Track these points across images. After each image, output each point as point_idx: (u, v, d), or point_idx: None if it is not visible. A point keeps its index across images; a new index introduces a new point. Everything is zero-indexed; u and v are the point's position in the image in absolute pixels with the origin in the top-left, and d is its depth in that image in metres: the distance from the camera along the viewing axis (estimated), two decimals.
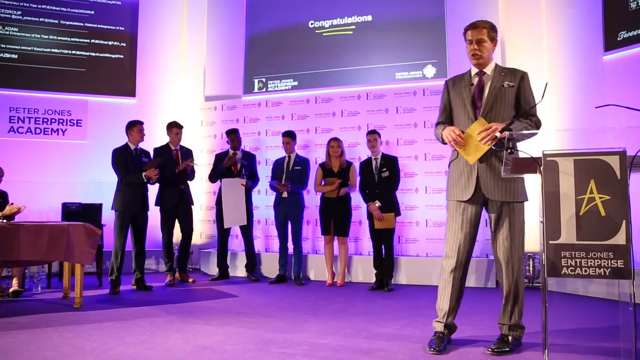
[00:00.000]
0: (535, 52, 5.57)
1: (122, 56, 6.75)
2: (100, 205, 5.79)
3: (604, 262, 2.24)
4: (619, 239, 2.22)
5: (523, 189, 2.76)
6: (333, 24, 6.40)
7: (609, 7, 4.92)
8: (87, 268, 5.11)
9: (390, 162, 5.18)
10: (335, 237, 5.33)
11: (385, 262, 5.08)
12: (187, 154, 5.58)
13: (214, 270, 5.88)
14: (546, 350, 2.35)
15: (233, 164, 5.59)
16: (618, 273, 2.23)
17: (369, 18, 6.25)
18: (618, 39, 4.83)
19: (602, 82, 4.91)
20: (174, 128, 5.47)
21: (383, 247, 5.12)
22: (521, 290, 2.77)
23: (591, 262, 2.25)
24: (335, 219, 5.27)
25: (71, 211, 5.66)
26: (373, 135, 5.21)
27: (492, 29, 2.84)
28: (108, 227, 5.64)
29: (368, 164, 5.24)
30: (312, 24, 6.49)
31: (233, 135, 5.75)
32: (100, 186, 6.28)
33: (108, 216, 5.73)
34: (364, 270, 5.53)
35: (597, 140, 4.54)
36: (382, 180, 5.10)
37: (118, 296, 4.60)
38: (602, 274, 2.24)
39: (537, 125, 2.71)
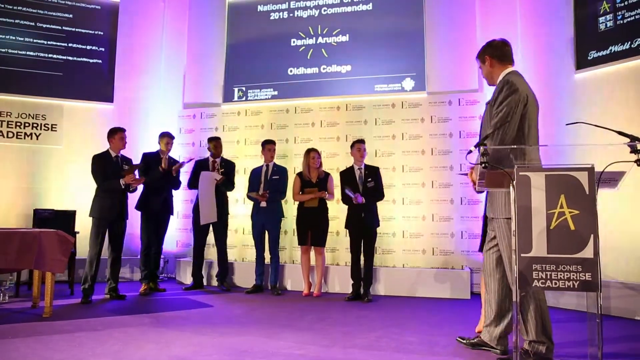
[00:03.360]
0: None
1: (100, 61, 6.66)
2: (74, 212, 5.67)
3: (573, 275, 2.30)
4: (587, 252, 2.29)
5: (507, 205, 2.74)
6: (314, 36, 6.46)
7: (580, 27, 5.10)
8: (59, 276, 4.99)
9: (374, 173, 5.19)
10: (313, 247, 5.34)
11: (365, 273, 5.06)
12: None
13: (189, 279, 5.81)
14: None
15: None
16: (586, 286, 2.29)
17: (349, 31, 6.33)
18: (588, 58, 5.00)
19: (573, 99, 5.06)
20: (165, 137, 5.50)
21: (362, 257, 5.10)
22: (525, 305, 2.69)
23: (561, 274, 2.31)
24: (313, 229, 5.27)
25: (43, 218, 5.54)
26: (362, 144, 5.18)
27: (481, 54, 3.07)
28: (81, 235, 5.54)
29: (350, 174, 5.18)
30: (292, 34, 6.54)
31: (214, 142, 5.75)
32: (74, 193, 6.16)
33: (82, 223, 5.63)
34: (341, 281, 5.54)
35: (567, 156, 4.67)
36: (368, 190, 5.08)
37: (90, 305, 4.50)
38: (571, 286, 2.30)
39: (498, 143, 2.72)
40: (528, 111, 2.77)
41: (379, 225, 5.20)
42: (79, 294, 4.71)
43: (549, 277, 2.32)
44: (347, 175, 5.20)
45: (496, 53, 2.97)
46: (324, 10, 6.48)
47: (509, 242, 2.78)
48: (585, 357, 2.87)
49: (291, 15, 6.61)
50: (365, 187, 5.08)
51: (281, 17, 6.65)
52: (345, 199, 5.14)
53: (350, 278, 5.15)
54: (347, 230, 5.24)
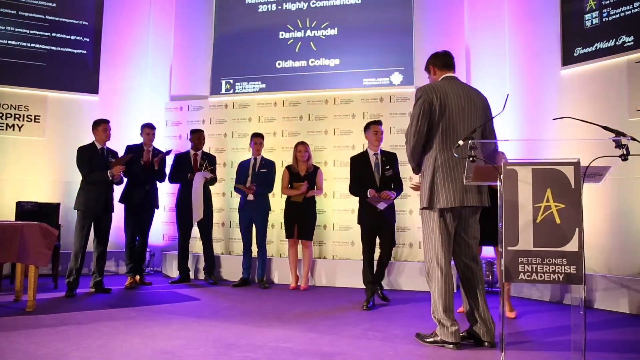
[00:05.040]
0: (499, 63, 5.76)
1: (84, 52, 6.54)
2: (58, 204, 5.59)
3: (558, 267, 2.33)
4: (572, 245, 2.32)
5: (423, 197, 3.01)
6: (302, 29, 6.42)
7: (566, 24, 5.15)
8: (42, 270, 4.91)
9: (392, 159, 4.52)
10: (300, 240, 5.33)
11: (381, 271, 4.47)
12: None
13: (175, 272, 5.77)
14: (503, 350, 2.43)
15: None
16: (571, 278, 2.33)
17: (338, 24, 6.30)
18: (574, 54, 5.05)
19: (559, 95, 5.11)
20: (146, 128, 5.44)
21: (379, 253, 4.50)
22: (431, 289, 3.04)
23: (546, 267, 2.34)
24: (300, 223, 5.26)
25: (26, 210, 5.44)
26: (379, 125, 4.51)
27: (427, 65, 3.34)
28: (65, 228, 5.46)
29: (363, 160, 4.49)
30: (281, 27, 6.49)
31: (198, 134, 5.72)
32: (58, 185, 6.07)
33: (66, 216, 5.55)
34: (328, 274, 5.55)
35: (553, 150, 4.72)
36: (386, 180, 4.41)
37: (74, 299, 4.44)
38: (556, 279, 2.34)
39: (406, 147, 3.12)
40: (438, 111, 2.98)
41: (395, 222, 4.58)
42: (63, 287, 4.65)
43: (534, 270, 2.35)
44: (359, 162, 4.50)
45: (438, 63, 3.25)
46: (313, 3, 6.44)
47: (426, 231, 3.04)
48: (568, 344, 2.92)
49: (279, 7, 6.56)
50: (382, 177, 4.42)
51: (269, 9, 6.59)
52: (354, 189, 4.52)
53: (362, 280, 4.44)
54: (360, 226, 4.51)
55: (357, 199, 4.55)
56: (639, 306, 4.12)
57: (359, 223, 4.51)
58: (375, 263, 4.49)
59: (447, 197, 2.90)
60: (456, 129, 2.97)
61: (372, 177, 4.41)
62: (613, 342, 3.23)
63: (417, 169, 3.17)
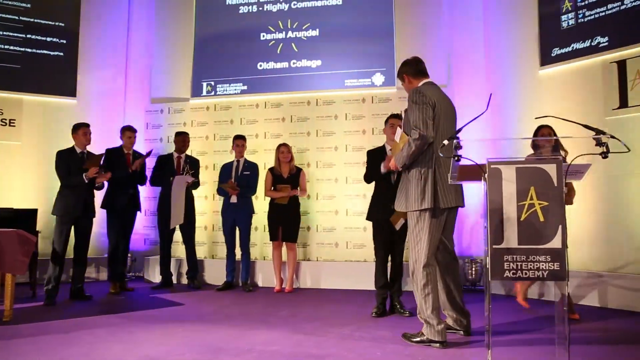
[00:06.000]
0: (478, 64, 5.83)
1: (61, 53, 6.40)
2: (35, 210, 5.44)
3: (542, 265, 2.37)
4: (556, 243, 2.36)
5: (418, 199, 3.00)
6: (283, 30, 6.41)
7: (543, 25, 5.25)
8: (19, 278, 4.78)
9: None
10: (284, 242, 5.31)
11: (397, 276, 4.11)
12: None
13: (158, 277, 5.69)
14: (490, 347, 2.45)
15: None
16: (554, 275, 2.36)
17: (319, 25, 6.30)
18: (552, 55, 5.15)
19: (538, 94, 5.20)
20: (127, 131, 5.34)
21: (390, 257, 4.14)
22: (416, 290, 3.07)
23: (530, 265, 2.37)
24: (284, 225, 5.24)
25: (2, 217, 5.28)
26: (399, 120, 4.02)
27: (399, 74, 3.33)
28: (43, 234, 5.33)
29: (379, 154, 4.13)
30: (262, 28, 6.46)
31: (183, 137, 5.66)
32: (35, 190, 5.92)
33: (44, 222, 5.42)
34: (312, 276, 5.54)
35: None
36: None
37: (54, 307, 4.33)
38: (541, 276, 2.37)
39: (411, 144, 2.99)
40: (436, 114, 3.01)
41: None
42: (42, 295, 4.53)
43: (519, 267, 2.38)
44: (376, 156, 4.16)
45: (411, 70, 3.24)
46: (294, 5, 6.43)
47: (414, 231, 3.05)
48: (552, 337, 2.96)
49: (260, 9, 6.53)
50: (398, 174, 3.82)
51: (250, 10, 6.55)
52: (370, 176, 4.19)
53: (374, 286, 4.12)
54: (372, 224, 4.18)
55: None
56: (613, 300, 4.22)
57: (368, 219, 4.17)
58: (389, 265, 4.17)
59: (447, 198, 2.99)
60: (446, 132, 3.03)
61: (387, 174, 4.02)
62: (595, 334, 3.29)
63: (405, 167, 3.09)
